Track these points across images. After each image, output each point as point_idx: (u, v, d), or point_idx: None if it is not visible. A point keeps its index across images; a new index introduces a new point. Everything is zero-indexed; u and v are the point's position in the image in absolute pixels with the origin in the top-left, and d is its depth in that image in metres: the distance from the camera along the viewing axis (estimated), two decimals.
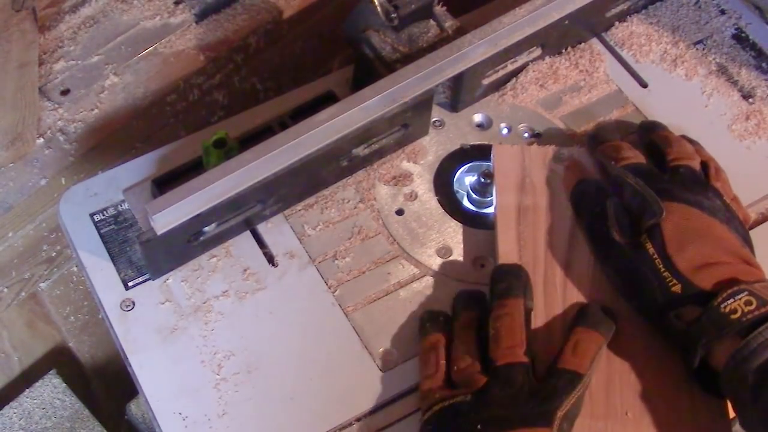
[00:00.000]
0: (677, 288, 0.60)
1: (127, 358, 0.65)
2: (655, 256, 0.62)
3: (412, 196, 0.73)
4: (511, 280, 0.63)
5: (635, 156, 0.69)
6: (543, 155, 0.73)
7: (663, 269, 0.61)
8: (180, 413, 0.63)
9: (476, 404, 0.57)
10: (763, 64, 0.82)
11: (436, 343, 0.63)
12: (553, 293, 0.65)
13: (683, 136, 0.72)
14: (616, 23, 0.83)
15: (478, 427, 0.56)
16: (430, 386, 0.61)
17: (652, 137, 0.72)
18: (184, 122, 0.93)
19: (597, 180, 0.70)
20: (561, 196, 0.70)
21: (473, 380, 0.59)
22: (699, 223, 0.63)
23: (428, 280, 0.69)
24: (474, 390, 0.58)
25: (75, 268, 0.90)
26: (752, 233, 0.71)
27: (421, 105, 0.72)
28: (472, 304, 0.64)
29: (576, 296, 0.66)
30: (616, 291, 0.65)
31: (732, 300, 0.57)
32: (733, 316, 0.57)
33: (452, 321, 0.64)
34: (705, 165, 0.70)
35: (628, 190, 0.66)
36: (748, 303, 0.57)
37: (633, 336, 0.64)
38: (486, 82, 0.77)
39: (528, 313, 0.63)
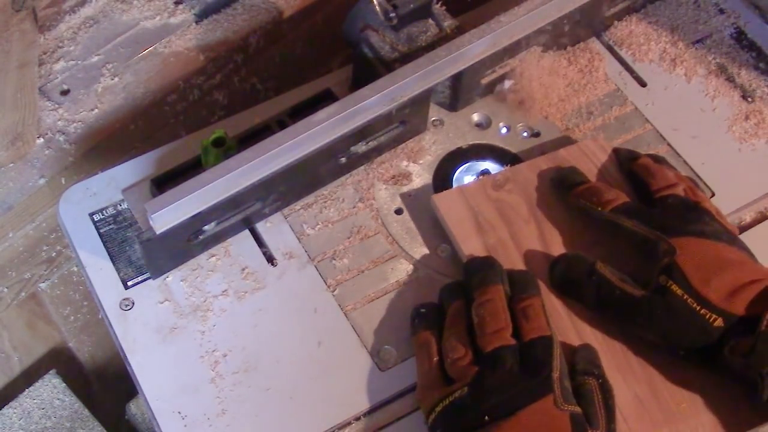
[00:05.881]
0: (719, 322, 0.58)
1: (126, 358, 0.65)
2: (685, 296, 0.59)
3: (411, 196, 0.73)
4: (486, 270, 0.63)
5: (618, 196, 0.66)
6: (482, 188, 0.71)
7: (698, 307, 0.58)
8: (179, 412, 0.63)
9: (475, 396, 0.57)
10: (762, 64, 0.82)
11: (426, 340, 0.62)
12: (558, 320, 0.64)
13: (652, 156, 0.70)
14: (615, 22, 0.83)
15: (486, 418, 0.56)
16: (427, 384, 0.60)
17: (632, 167, 0.69)
18: (184, 122, 0.93)
19: (569, 254, 0.66)
20: (519, 223, 0.69)
21: (467, 372, 0.58)
22: (710, 251, 0.61)
23: (427, 279, 0.69)
24: (469, 382, 0.58)
25: (75, 268, 0.90)
26: (752, 232, 0.72)
27: (419, 101, 0.72)
28: (458, 294, 0.64)
29: (577, 316, 0.64)
30: (655, 351, 0.62)
31: None
32: None
33: (441, 313, 0.64)
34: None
35: (624, 234, 0.64)
36: None
37: None
38: (485, 81, 0.77)
39: (508, 298, 0.62)
